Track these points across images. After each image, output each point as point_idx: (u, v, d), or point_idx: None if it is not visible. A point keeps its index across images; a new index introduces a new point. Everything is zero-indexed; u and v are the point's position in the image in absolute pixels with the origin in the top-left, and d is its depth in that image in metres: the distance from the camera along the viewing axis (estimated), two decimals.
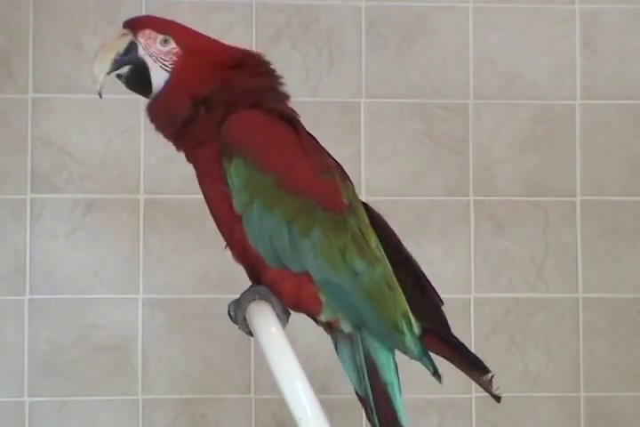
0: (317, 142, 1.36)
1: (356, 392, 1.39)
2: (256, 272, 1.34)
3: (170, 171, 2.07)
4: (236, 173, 1.28)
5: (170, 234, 2.09)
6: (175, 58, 1.31)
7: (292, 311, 1.34)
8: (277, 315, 1.27)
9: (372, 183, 2.12)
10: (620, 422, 2.13)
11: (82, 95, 2.09)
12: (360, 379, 1.36)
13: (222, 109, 1.30)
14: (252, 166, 1.27)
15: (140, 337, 2.08)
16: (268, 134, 1.30)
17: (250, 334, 1.30)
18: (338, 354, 1.38)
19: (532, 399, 2.13)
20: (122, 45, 1.31)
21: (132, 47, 1.32)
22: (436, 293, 1.41)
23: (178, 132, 1.33)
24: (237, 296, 1.32)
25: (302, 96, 2.06)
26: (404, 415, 1.35)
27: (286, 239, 1.29)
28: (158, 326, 2.08)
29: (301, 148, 1.31)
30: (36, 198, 2.08)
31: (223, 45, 1.36)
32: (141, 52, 1.31)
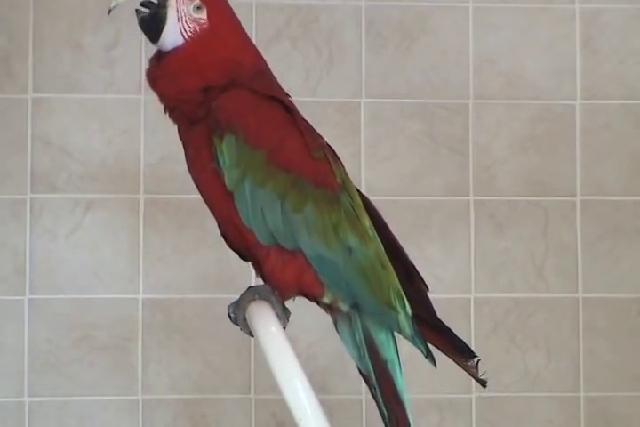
0: (310, 126, 1.35)
1: (359, 370, 1.39)
2: (253, 256, 1.34)
3: (170, 171, 2.07)
4: (227, 150, 1.27)
5: (170, 234, 2.09)
6: (198, 29, 1.30)
7: (295, 297, 1.33)
8: (277, 315, 1.27)
9: (371, 183, 2.12)
10: (620, 422, 2.13)
11: (82, 95, 2.10)
12: (361, 357, 1.36)
13: (218, 93, 1.30)
14: (242, 143, 1.27)
15: (140, 337, 2.08)
16: (259, 111, 1.30)
17: (251, 334, 1.30)
18: (338, 333, 1.39)
19: (532, 399, 2.13)
20: None
21: None
22: (422, 278, 1.42)
23: (174, 106, 1.32)
24: (237, 296, 1.32)
25: (302, 96, 2.06)
26: (405, 392, 1.36)
27: (279, 215, 1.28)
28: (158, 326, 2.08)
29: (293, 126, 1.31)
30: (35, 198, 2.08)
31: (245, 43, 1.36)
32: (171, 2, 1.29)
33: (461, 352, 1.40)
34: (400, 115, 2.15)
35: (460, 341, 1.40)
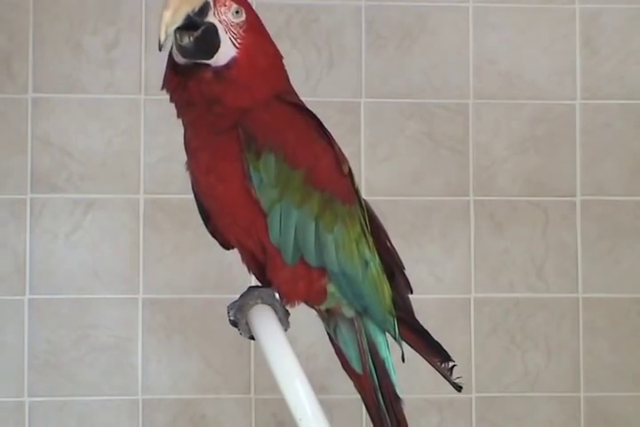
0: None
1: (347, 371, 1.41)
2: (262, 268, 1.32)
3: (170, 171, 2.07)
4: (265, 170, 1.24)
5: (170, 234, 2.09)
6: (243, 33, 1.25)
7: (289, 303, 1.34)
8: (280, 319, 1.27)
9: (372, 183, 2.12)
10: (620, 422, 2.13)
11: (82, 95, 2.10)
12: (360, 358, 1.38)
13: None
14: (282, 162, 1.25)
15: (139, 337, 2.08)
16: (295, 128, 1.28)
17: (252, 338, 1.30)
18: (336, 336, 1.40)
19: (532, 399, 2.13)
20: (198, 3, 1.20)
21: (204, 8, 1.21)
22: (407, 280, 1.43)
23: (200, 114, 1.26)
24: (237, 297, 1.31)
25: (302, 96, 2.05)
26: (399, 387, 1.39)
27: (312, 235, 1.28)
28: (158, 326, 2.08)
29: (324, 139, 1.31)
30: (35, 198, 2.08)
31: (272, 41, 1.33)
32: (211, 17, 1.22)
33: (437, 354, 1.42)
34: (400, 115, 2.15)
35: (437, 343, 1.42)
